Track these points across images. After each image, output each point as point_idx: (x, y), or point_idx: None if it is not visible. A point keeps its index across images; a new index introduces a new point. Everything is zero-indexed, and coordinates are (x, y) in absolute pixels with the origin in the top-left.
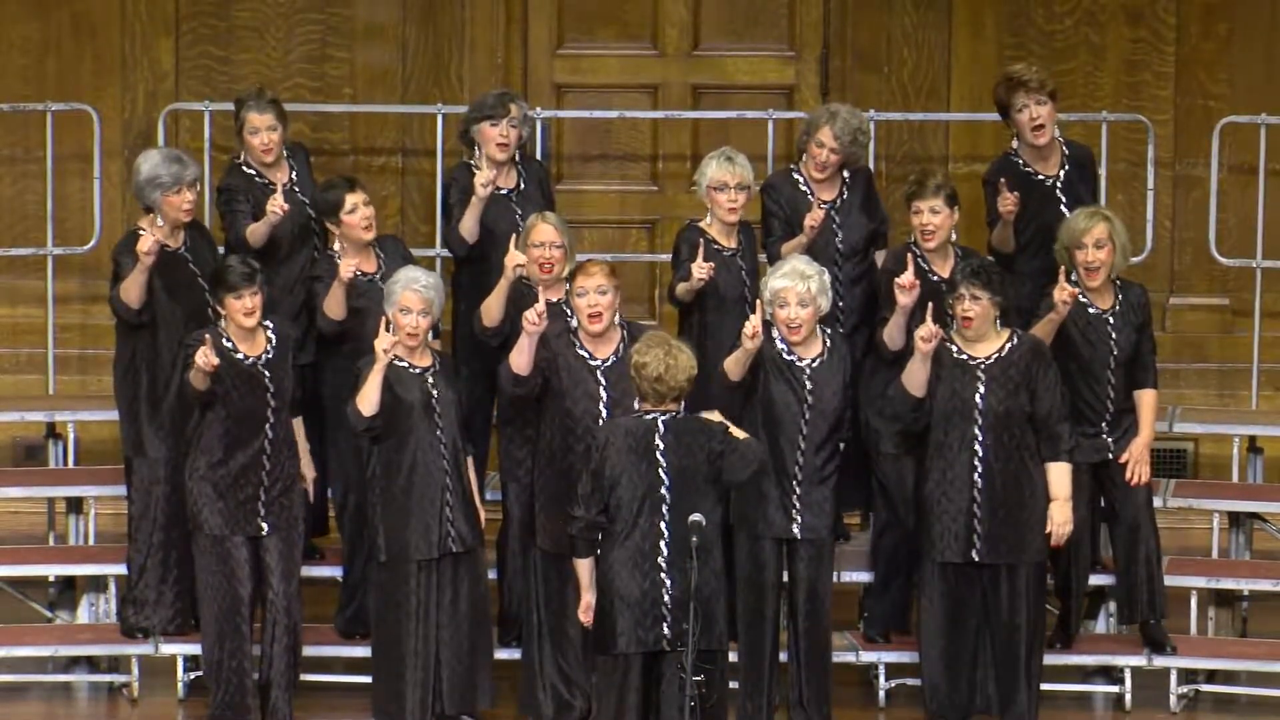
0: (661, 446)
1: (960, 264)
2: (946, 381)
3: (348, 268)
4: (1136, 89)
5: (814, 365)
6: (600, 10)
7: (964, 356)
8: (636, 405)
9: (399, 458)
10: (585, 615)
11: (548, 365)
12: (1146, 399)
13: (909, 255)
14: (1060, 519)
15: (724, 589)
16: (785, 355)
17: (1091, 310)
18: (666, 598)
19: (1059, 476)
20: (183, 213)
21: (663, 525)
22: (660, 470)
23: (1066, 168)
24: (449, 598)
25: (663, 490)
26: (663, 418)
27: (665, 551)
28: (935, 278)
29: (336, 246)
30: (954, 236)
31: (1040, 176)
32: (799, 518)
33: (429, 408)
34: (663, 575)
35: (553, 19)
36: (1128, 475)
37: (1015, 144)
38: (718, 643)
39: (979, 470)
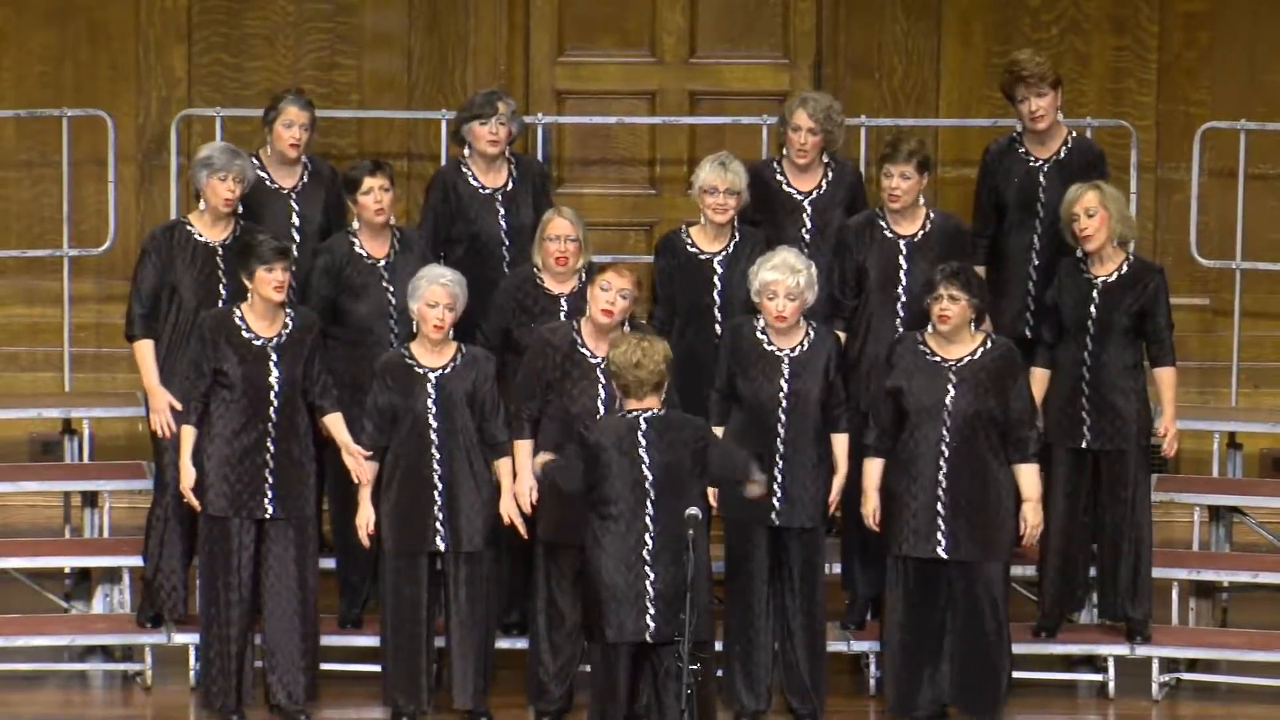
0: (644, 444)
1: (941, 266)
2: (918, 381)
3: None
4: (1120, 95)
5: (793, 354)
6: (600, 19)
7: (936, 359)
8: (619, 405)
9: (392, 458)
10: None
11: (553, 367)
12: (1165, 377)
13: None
14: (1034, 520)
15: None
16: (765, 345)
17: (1084, 276)
18: (651, 591)
19: (1029, 478)
20: (223, 201)
21: (647, 519)
22: (644, 467)
23: (1060, 156)
24: (456, 594)
25: (647, 486)
26: (645, 415)
27: (650, 545)
28: (895, 235)
29: (355, 225)
30: (922, 200)
31: (1032, 159)
32: (778, 504)
33: (427, 410)
34: (647, 569)
35: (554, 28)
36: (1164, 449)
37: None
38: (705, 633)
39: (944, 470)
